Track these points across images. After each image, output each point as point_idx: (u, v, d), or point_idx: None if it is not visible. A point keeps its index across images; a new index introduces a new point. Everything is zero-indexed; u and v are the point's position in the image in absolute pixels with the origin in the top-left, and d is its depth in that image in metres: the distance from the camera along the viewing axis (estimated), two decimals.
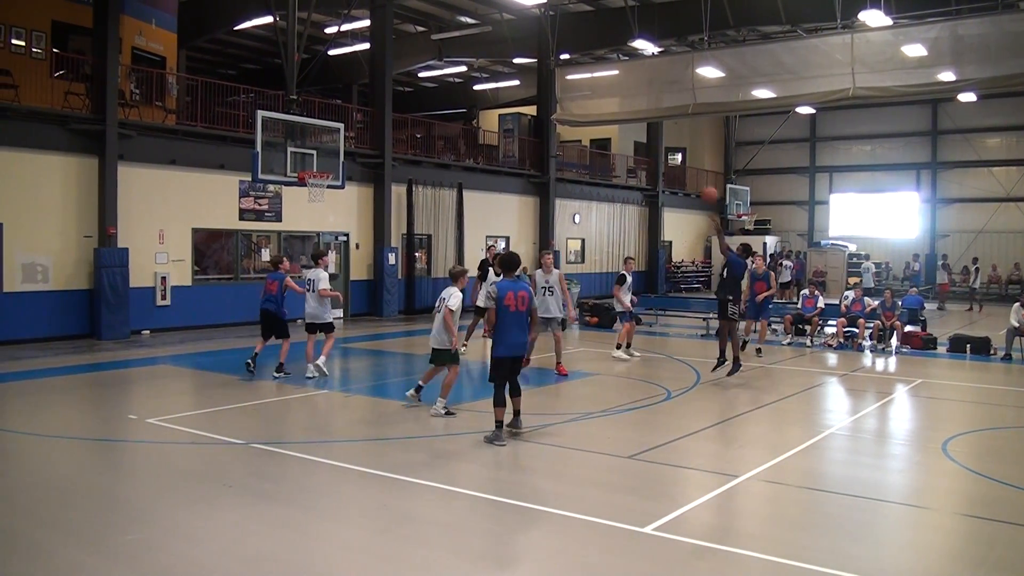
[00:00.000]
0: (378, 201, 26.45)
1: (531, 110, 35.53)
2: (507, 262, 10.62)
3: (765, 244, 41.81)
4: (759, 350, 18.10)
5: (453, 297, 11.37)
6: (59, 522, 7.23)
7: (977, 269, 33.17)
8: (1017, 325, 18.08)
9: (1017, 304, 18.47)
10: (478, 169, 31.36)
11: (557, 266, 31.98)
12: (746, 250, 15.83)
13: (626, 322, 17.90)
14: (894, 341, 19.26)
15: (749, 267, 17.03)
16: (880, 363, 17.81)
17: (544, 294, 15.30)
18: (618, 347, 17.57)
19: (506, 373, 10.15)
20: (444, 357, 11.58)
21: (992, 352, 18.43)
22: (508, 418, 10.28)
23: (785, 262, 36.90)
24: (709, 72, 24.52)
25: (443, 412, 11.48)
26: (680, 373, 15.68)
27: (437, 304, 11.56)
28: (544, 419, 11.44)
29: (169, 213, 21.21)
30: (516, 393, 10.42)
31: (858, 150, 43.35)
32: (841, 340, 19.77)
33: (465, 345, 17.00)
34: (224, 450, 9.70)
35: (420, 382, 12.11)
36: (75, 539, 6.85)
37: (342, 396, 13.33)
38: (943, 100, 37.56)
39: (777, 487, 8.51)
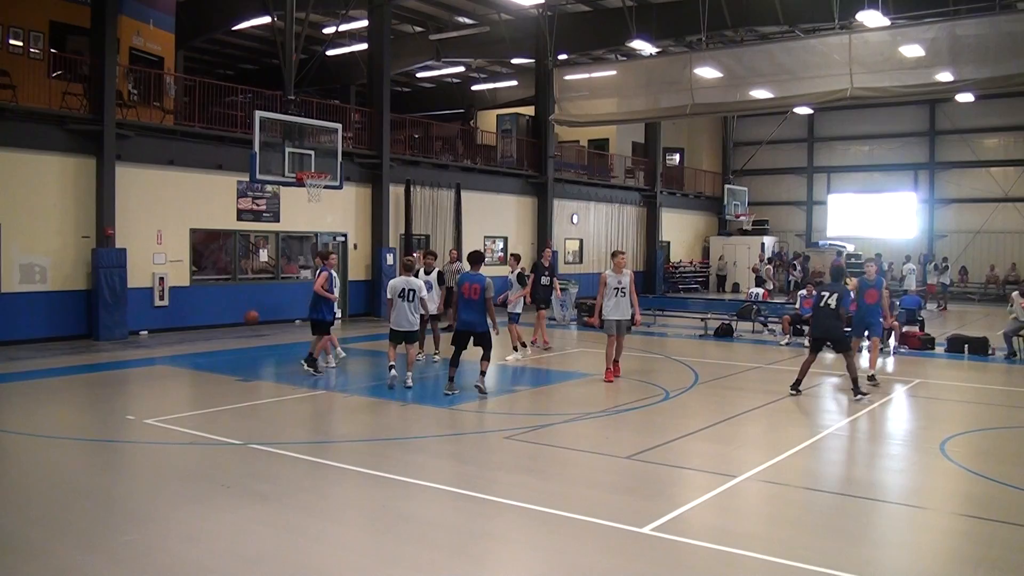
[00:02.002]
0: (376, 201, 26.44)
1: (529, 110, 35.54)
2: (474, 257, 13.42)
3: (763, 244, 41.87)
4: (872, 377, 14.77)
5: (422, 289, 13.67)
6: (57, 522, 7.22)
7: (947, 267, 33.44)
8: (1017, 315, 17.97)
9: (1016, 292, 18.37)
10: (476, 169, 31.36)
11: (556, 265, 32.22)
12: (839, 273, 13.85)
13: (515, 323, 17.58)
14: (892, 341, 19.26)
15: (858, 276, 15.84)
16: (878, 363, 17.81)
17: (616, 295, 14.44)
18: (517, 348, 17.34)
19: (463, 342, 12.92)
20: (413, 337, 13.67)
21: (990, 352, 18.42)
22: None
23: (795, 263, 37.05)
24: (707, 72, 24.54)
25: (410, 383, 13.47)
26: (678, 373, 15.68)
27: (408, 294, 13.33)
28: (542, 419, 11.45)
29: (167, 213, 21.20)
30: (486, 358, 13.11)
31: (856, 150, 43.37)
32: None
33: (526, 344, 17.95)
34: (222, 450, 9.69)
35: (392, 362, 13.69)
36: (73, 539, 6.84)
37: (340, 396, 13.33)
38: (941, 100, 37.60)
39: (775, 487, 8.51)
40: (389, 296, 13.42)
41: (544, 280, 18.85)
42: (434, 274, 16.56)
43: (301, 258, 25.06)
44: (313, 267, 17.08)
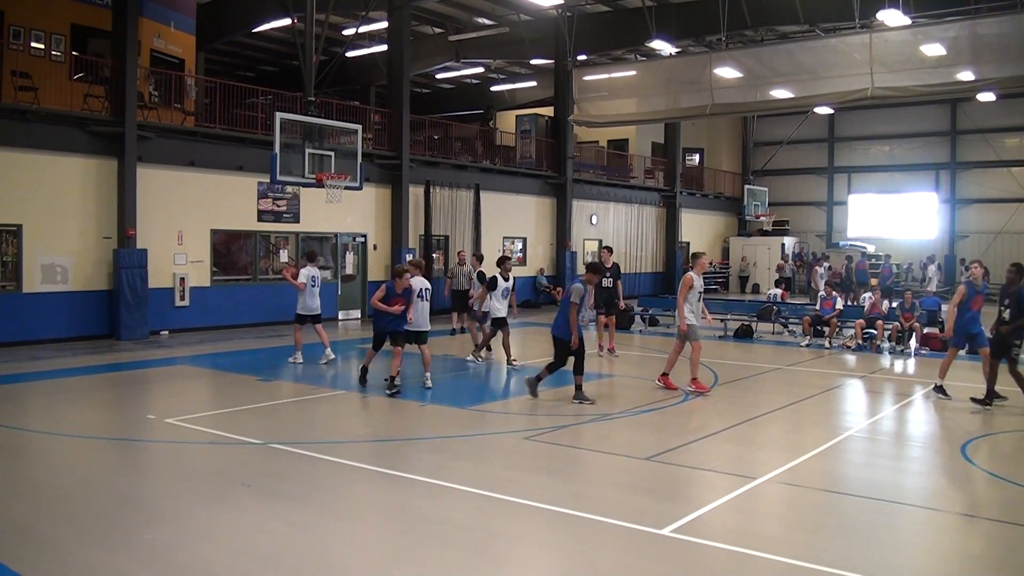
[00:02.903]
0: (395, 202, 26.50)
1: (548, 111, 35.58)
2: (590, 267, 13.44)
3: (783, 245, 41.70)
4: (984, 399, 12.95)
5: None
6: (77, 520, 7.27)
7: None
8: None
9: None
10: (495, 170, 31.39)
11: (574, 267, 32.19)
12: (1020, 271, 12.59)
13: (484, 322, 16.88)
14: (913, 343, 19.14)
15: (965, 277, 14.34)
16: (899, 365, 17.71)
17: (699, 299, 13.82)
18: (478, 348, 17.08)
19: (560, 354, 12.69)
20: (425, 337, 13.74)
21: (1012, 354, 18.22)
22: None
23: (823, 264, 36.67)
24: (727, 72, 24.46)
25: (430, 384, 13.62)
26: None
27: (424, 294, 13.61)
28: (562, 420, 11.44)
29: (188, 214, 21.33)
30: (577, 371, 12.60)
31: (877, 150, 43.14)
32: (860, 342, 19.67)
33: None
34: (242, 450, 9.74)
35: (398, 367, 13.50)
36: (93, 537, 6.89)
37: (359, 396, 13.35)
38: (962, 100, 37.37)
39: (795, 489, 8.47)
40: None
41: (606, 282, 17.82)
42: (511, 280, 16.53)
43: (321, 259, 25.14)
44: (298, 266, 17.06)
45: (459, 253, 23.00)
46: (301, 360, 16.21)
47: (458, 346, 18.21)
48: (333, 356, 16.36)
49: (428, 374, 13.69)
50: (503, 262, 16.99)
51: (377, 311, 13.33)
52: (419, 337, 13.62)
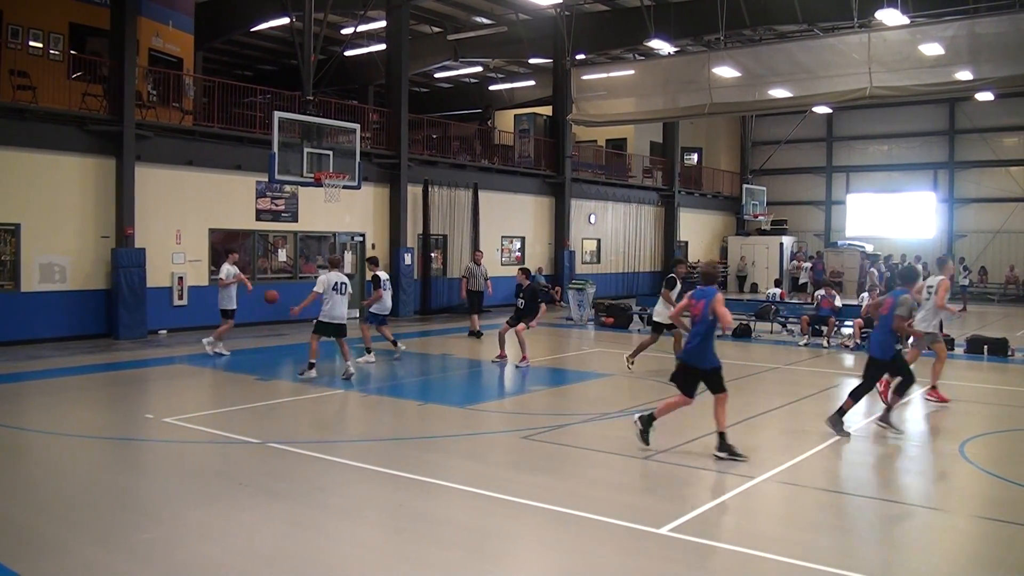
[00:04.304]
0: (394, 201, 26.49)
1: (547, 110, 35.58)
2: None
3: (782, 244, 41.68)
4: None
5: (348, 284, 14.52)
6: (75, 520, 7.27)
7: (967, 268, 33.18)
8: None
9: None
10: (494, 169, 31.38)
11: (572, 266, 32.22)
12: None
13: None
14: (910, 342, 19.09)
15: None
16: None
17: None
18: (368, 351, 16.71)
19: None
20: (344, 330, 14.29)
21: (1010, 353, 18.28)
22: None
23: (805, 264, 36.73)
24: (725, 72, 24.48)
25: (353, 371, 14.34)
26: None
27: (341, 287, 14.11)
28: (560, 419, 11.44)
29: (186, 213, 21.30)
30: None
31: (875, 150, 43.12)
32: (858, 341, 19.66)
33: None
34: (240, 449, 9.73)
35: (312, 359, 14.37)
36: (91, 536, 6.89)
37: (358, 396, 13.35)
38: (960, 99, 37.32)
39: (793, 488, 8.47)
40: (320, 290, 14.05)
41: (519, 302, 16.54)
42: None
43: (319, 258, 25.13)
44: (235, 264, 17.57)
45: (475, 253, 23.11)
46: (223, 353, 17.18)
47: (471, 348, 18.17)
48: (219, 349, 17.15)
49: (348, 363, 14.34)
50: (678, 264, 16.53)
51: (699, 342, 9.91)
52: (338, 330, 14.20)
